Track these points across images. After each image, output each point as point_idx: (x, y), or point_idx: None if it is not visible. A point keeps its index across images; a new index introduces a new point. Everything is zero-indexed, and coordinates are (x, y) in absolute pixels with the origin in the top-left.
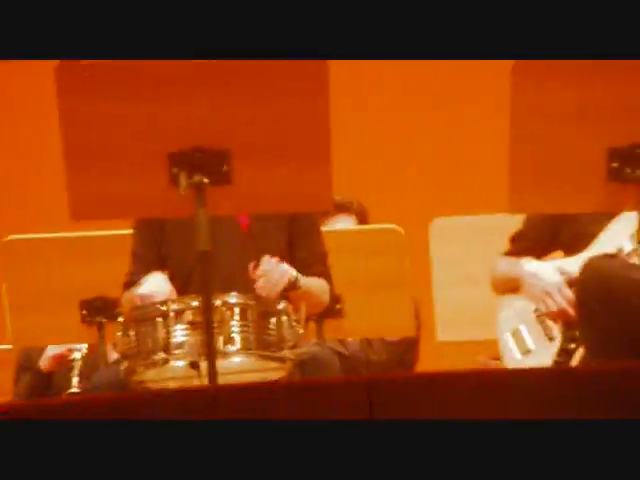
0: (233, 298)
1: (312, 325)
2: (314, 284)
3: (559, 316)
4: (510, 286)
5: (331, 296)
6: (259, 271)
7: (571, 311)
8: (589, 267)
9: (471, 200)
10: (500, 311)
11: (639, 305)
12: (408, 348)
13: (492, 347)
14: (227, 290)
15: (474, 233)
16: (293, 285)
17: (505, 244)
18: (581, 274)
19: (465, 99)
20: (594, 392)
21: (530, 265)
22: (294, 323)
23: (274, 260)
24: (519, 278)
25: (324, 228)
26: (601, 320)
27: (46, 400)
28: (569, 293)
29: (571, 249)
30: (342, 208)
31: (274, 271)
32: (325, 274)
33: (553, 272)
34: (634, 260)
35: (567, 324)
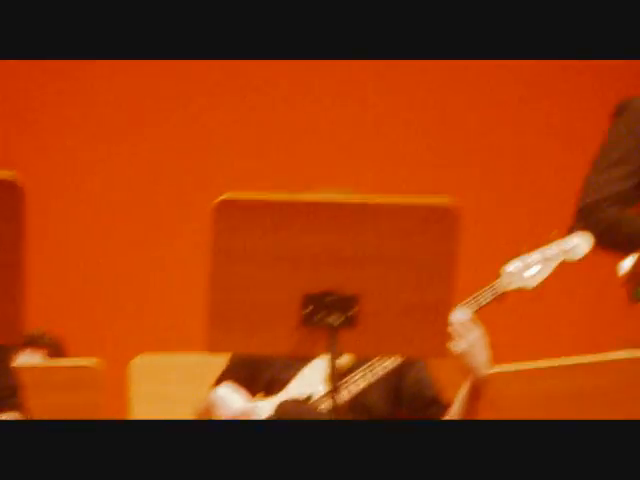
0: None
1: None
2: None
3: None
4: (208, 418)
5: None
6: None
7: None
8: (279, 412)
9: (174, 338)
10: None
11: None
12: None
13: None
14: None
15: (176, 371)
16: None
17: (208, 383)
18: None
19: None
20: None
21: (219, 390)
22: None
23: None
24: (210, 406)
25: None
26: None
27: None
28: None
29: (268, 392)
30: (29, 342)
31: None
32: (18, 406)
33: (240, 399)
34: (323, 406)
35: None
